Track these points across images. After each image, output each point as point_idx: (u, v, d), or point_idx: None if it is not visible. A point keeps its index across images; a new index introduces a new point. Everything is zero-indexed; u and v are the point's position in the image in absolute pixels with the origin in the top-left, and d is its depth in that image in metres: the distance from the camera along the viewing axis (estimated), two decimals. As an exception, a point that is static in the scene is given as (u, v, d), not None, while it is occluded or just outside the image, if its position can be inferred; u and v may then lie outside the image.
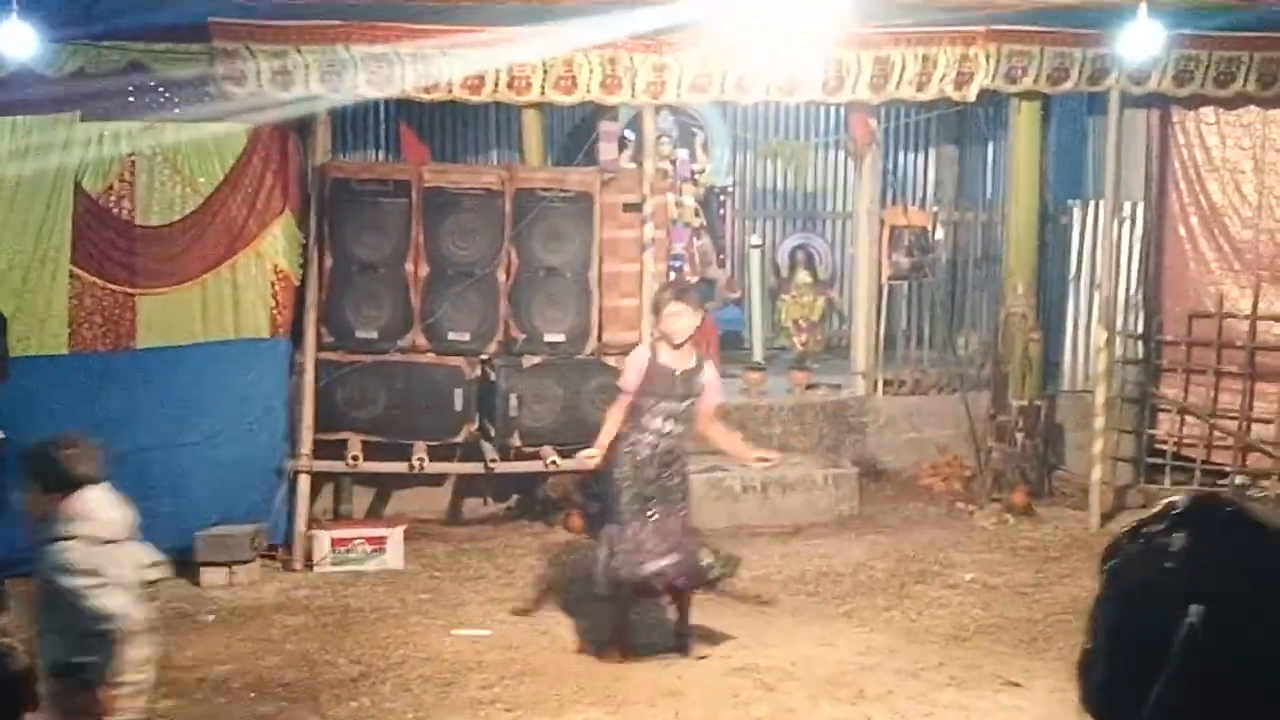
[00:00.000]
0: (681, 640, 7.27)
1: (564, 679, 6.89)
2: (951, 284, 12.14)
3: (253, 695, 6.75)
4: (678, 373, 6.98)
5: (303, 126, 9.38)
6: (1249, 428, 10.77)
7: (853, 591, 8.34)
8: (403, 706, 6.61)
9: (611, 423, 7.10)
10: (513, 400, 9.23)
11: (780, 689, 6.74)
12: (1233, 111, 10.59)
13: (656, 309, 7.11)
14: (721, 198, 14.24)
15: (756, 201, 14.69)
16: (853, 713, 6.44)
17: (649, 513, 6.99)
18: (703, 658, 7.18)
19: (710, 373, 7.20)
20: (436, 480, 9.81)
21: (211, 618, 7.91)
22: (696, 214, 13.78)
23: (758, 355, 12.55)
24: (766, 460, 7.57)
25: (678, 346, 6.99)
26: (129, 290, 9.00)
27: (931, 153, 14.24)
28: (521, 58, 9.12)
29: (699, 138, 13.89)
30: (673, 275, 12.70)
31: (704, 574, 7.15)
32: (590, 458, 7.10)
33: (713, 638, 7.39)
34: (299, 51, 8.90)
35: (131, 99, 8.98)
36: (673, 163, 13.41)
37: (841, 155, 13.89)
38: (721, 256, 14.11)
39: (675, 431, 7.02)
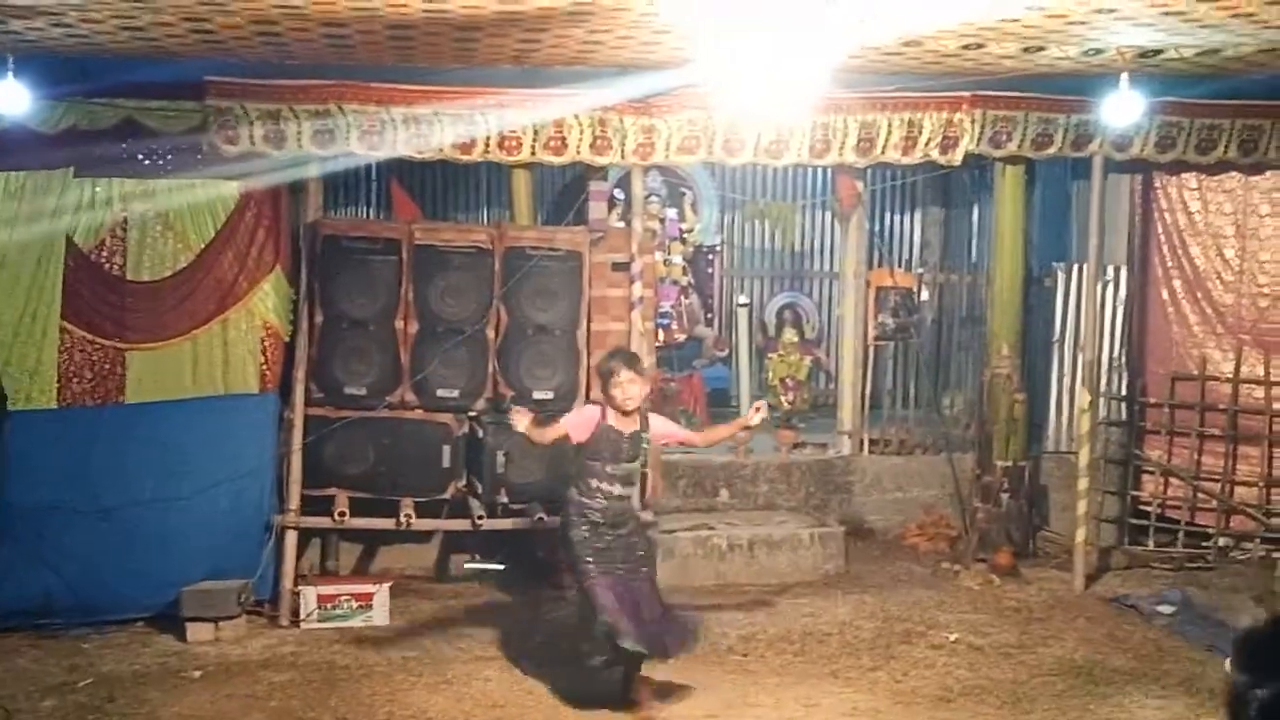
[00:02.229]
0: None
1: (550, 738, 6.90)
2: (937, 345, 12.23)
3: (238, 752, 6.74)
4: (625, 435, 7.10)
5: (294, 184, 9.45)
6: (1232, 490, 10.85)
7: (839, 651, 8.35)
8: (388, 765, 6.61)
9: (544, 431, 7.21)
10: (500, 457, 9.25)
11: (766, 749, 6.76)
12: (1215, 177, 10.74)
13: (607, 376, 7.17)
14: (709, 256, 14.35)
15: (744, 261, 14.80)
16: (839, 774, 6.46)
17: (616, 569, 7.02)
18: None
19: (657, 420, 7.44)
20: (423, 537, 9.82)
21: (198, 674, 7.88)
22: (684, 272, 13.92)
23: (745, 413, 12.58)
24: (757, 411, 7.59)
25: (628, 414, 7.08)
26: (119, 345, 9.03)
27: (918, 214, 14.37)
28: (513, 120, 9.21)
29: (688, 197, 14.03)
30: (661, 334, 12.86)
31: (691, 638, 7.21)
32: (518, 413, 7.20)
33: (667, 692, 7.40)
34: (292, 111, 8.99)
35: (125, 156, 9.06)
36: (661, 221, 13.56)
37: (828, 216, 14.01)
38: (709, 315, 14.22)
39: (625, 494, 7.14)
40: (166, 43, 8.34)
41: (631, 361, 7.27)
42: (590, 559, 7.04)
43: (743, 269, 14.75)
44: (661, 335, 12.93)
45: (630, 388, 7.08)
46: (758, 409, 7.55)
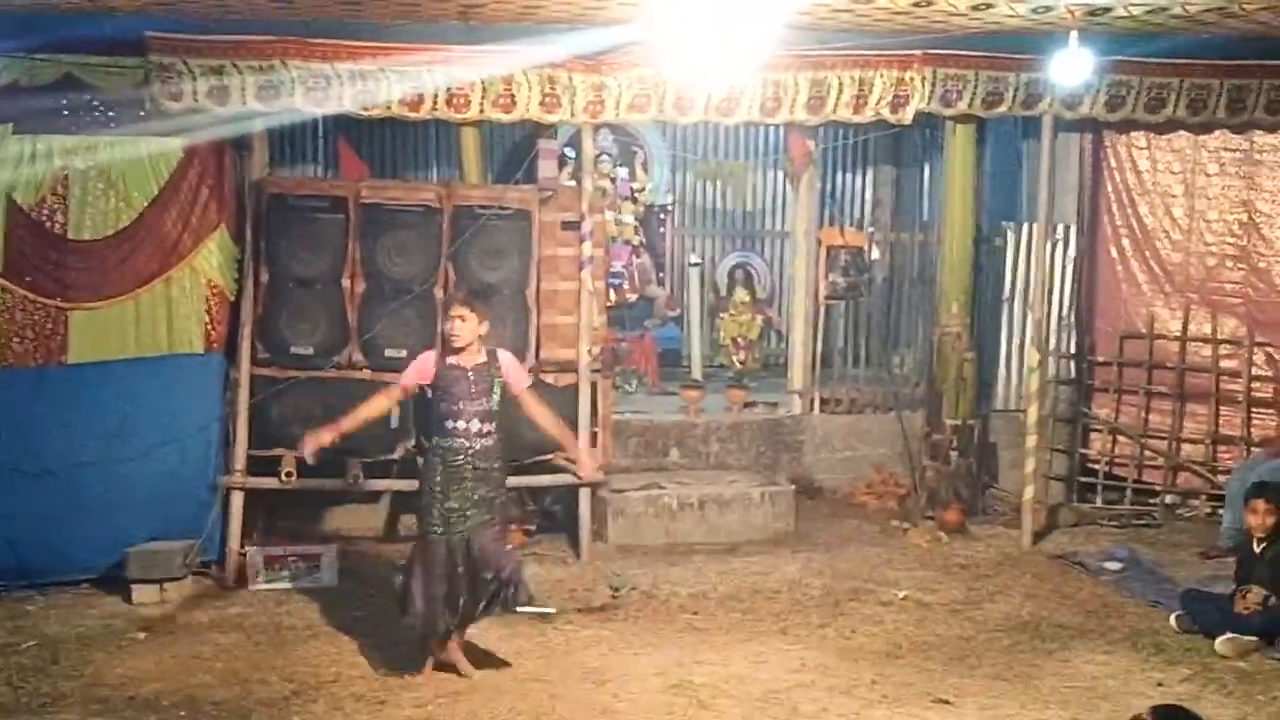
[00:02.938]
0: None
1: (499, 698, 6.87)
2: (888, 304, 12.23)
3: (183, 714, 6.67)
4: (469, 370, 6.99)
5: (239, 142, 9.33)
6: (1179, 448, 10.95)
7: (788, 609, 8.37)
8: (335, 725, 6.59)
9: (366, 408, 7.26)
10: (450, 417, 9.18)
11: (714, 706, 6.75)
12: (1164, 136, 10.80)
13: (444, 308, 7.14)
14: (661, 216, 14.31)
15: (696, 220, 14.75)
16: (785, 730, 6.47)
17: (460, 528, 6.97)
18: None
19: (506, 357, 7.25)
20: (372, 498, 9.78)
21: (143, 635, 7.82)
22: (636, 232, 13.88)
23: (696, 373, 12.59)
24: (583, 467, 7.71)
25: (457, 350, 7.01)
26: (61, 305, 8.89)
27: (870, 173, 14.38)
28: (461, 77, 9.13)
29: (639, 156, 13.97)
30: (613, 293, 12.82)
31: (516, 597, 7.15)
32: (314, 441, 7.19)
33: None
34: (235, 67, 8.88)
35: (66, 113, 8.90)
36: (613, 181, 13.50)
37: (780, 175, 13.98)
38: (661, 274, 14.19)
39: (487, 431, 7.02)
40: (104, -3, 8.22)
41: (466, 300, 7.15)
42: (436, 521, 6.96)
43: (694, 228, 14.72)
44: (613, 295, 12.90)
45: (458, 324, 6.96)
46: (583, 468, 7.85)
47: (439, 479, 6.98)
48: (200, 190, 9.13)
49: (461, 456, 6.97)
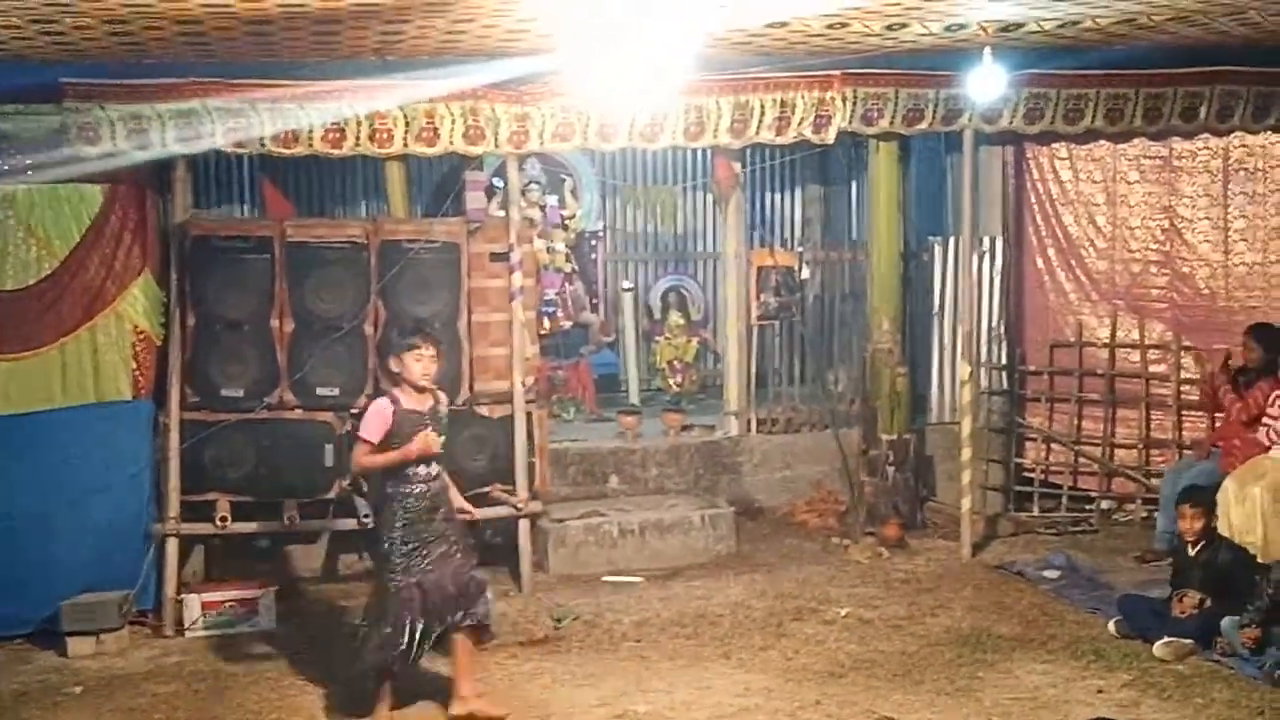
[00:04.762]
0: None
1: (440, 736, 6.84)
2: (822, 322, 12.28)
3: (121, 769, 6.60)
4: (424, 412, 6.93)
5: (162, 184, 9.27)
6: (1112, 453, 11.06)
7: (731, 632, 8.37)
8: (275, 772, 6.52)
9: (376, 461, 6.95)
10: (384, 454, 9.13)
11: (658, 735, 6.76)
12: (1084, 146, 10.93)
13: (405, 350, 6.92)
14: (593, 242, 14.31)
15: (627, 245, 14.77)
16: (730, 755, 6.47)
17: (425, 564, 6.88)
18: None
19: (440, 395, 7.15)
20: (310, 538, 9.68)
21: (79, 689, 7.69)
22: (568, 259, 13.86)
23: (634, 398, 12.61)
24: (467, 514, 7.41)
25: (421, 391, 6.96)
26: (-15, 357, 8.78)
27: (799, 193, 14.46)
28: (381, 107, 9.09)
29: (568, 183, 13.96)
30: (546, 321, 12.80)
31: (484, 622, 7.08)
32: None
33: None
34: (154, 111, 8.80)
35: (-19, 161, 8.81)
36: (543, 209, 13.49)
37: (710, 198, 14.01)
38: (594, 300, 14.18)
39: (438, 472, 6.97)
40: (14, 45, 8.11)
41: (430, 336, 7.08)
42: (399, 564, 6.82)
43: (626, 253, 14.73)
44: (547, 323, 12.87)
45: (428, 363, 6.90)
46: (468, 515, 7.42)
47: (399, 526, 6.85)
48: (123, 235, 9.02)
49: (423, 501, 6.89)
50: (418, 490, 6.88)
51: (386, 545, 6.87)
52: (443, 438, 6.96)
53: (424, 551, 6.85)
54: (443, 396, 7.15)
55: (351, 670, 7.11)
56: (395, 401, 6.89)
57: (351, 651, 7.08)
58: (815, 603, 8.90)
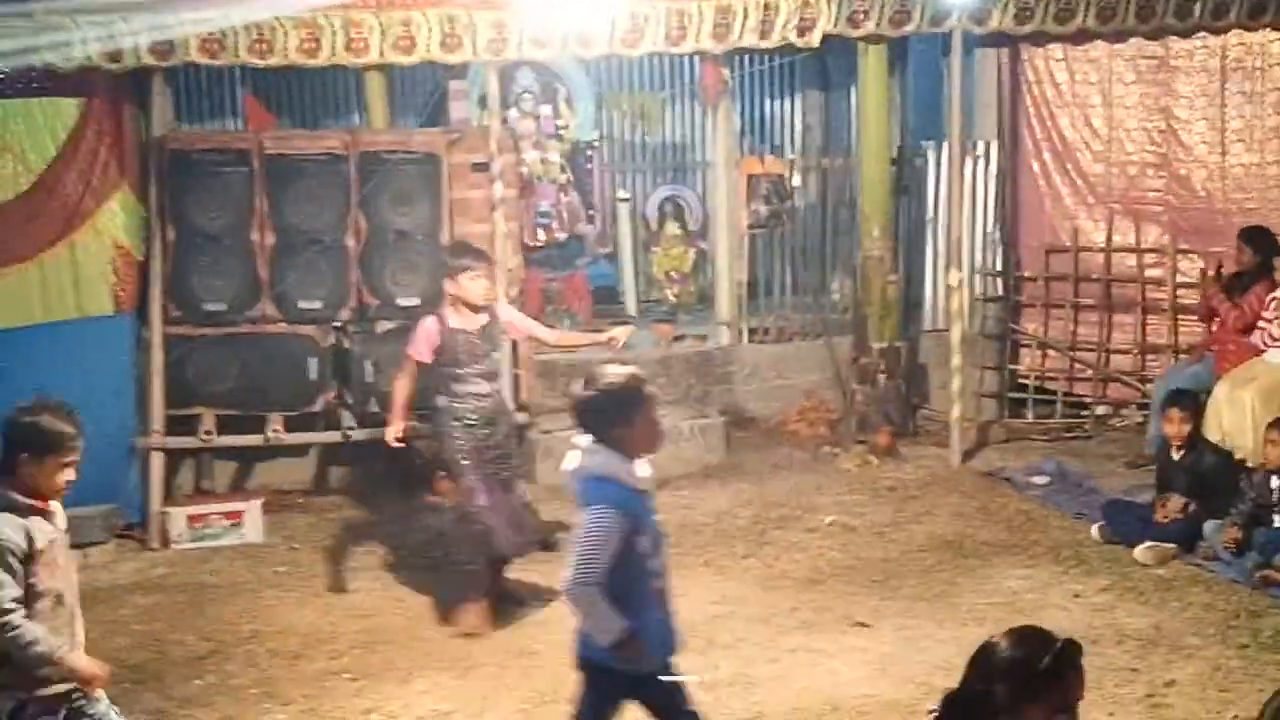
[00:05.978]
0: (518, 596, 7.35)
1: (414, 645, 6.87)
2: (820, 229, 12.13)
3: (96, 679, 6.63)
4: (474, 332, 6.95)
5: (140, 99, 9.18)
6: (1108, 359, 10.97)
7: (713, 541, 8.37)
8: (249, 681, 6.56)
9: (402, 392, 7.12)
10: (368, 366, 9.14)
11: (630, 643, 6.74)
12: (1080, 47, 10.71)
13: (458, 271, 6.97)
14: (588, 153, 14.12)
15: (623, 155, 14.59)
16: (700, 662, 6.41)
17: (498, 474, 7.01)
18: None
19: (507, 310, 7.39)
20: (300, 451, 9.69)
21: (61, 602, 7.75)
22: (563, 170, 13.70)
23: (631, 309, 12.52)
24: (615, 340, 7.53)
25: (477, 310, 6.96)
26: (-39, 274, 8.75)
27: (798, 99, 14.23)
28: (355, 13, 8.96)
29: (562, 93, 13.76)
30: (542, 233, 12.70)
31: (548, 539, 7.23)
32: (396, 437, 7.11)
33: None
34: (124, 21, 8.69)
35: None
36: (536, 119, 13.31)
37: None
38: (591, 212, 14.02)
39: (492, 390, 7.03)
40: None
41: (483, 255, 7.16)
42: (468, 461, 6.97)
43: (622, 164, 14.56)
44: (542, 235, 12.76)
45: (484, 284, 6.97)
46: (613, 340, 7.47)
47: (459, 435, 6.95)
48: (99, 150, 8.96)
49: (472, 415, 6.97)
50: (471, 405, 6.98)
51: (455, 457, 6.99)
52: (496, 355, 7.00)
53: (493, 463, 7.01)
54: (503, 312, 7.17)
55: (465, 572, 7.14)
56: (442, 320, 6.94)
57: (457, 560, 7.17)
58: (800, 511, 8.88)
